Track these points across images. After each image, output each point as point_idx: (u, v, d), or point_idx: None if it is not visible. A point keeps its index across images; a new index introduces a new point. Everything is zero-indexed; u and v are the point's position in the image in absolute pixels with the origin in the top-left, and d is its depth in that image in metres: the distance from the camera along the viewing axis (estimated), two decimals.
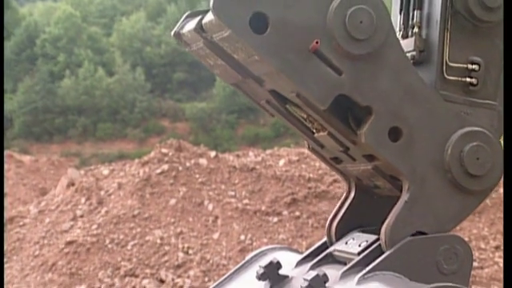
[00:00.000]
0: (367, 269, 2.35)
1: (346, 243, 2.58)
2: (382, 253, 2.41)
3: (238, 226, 17.04)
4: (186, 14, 2.59)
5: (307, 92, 2.32)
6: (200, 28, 2.42)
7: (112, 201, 17.35)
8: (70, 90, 34.03)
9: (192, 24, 2.49)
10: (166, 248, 16.41)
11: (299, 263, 2.66)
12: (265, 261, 2.65)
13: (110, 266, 15.97)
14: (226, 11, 2.26)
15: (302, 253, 2.83)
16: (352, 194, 2.69)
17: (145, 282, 15.55)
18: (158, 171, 17.62)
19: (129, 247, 16.39)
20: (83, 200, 17.61)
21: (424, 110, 2.40)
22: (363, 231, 2.61)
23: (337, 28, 2.30)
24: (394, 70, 2.37)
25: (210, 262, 16.15)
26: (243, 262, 2.89)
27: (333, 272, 2.38)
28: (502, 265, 12.37)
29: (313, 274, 2.30)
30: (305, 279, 2.30)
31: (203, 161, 18.09)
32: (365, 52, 2.33)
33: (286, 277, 2.58)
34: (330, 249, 2.62)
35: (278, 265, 2.59)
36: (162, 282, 15.55)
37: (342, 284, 2.36)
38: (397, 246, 2.38)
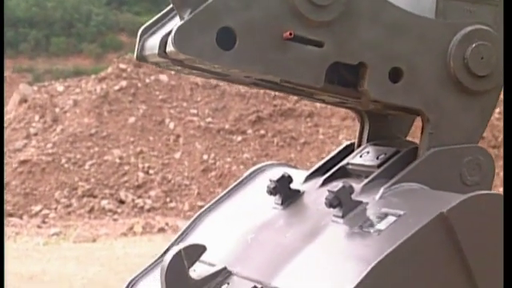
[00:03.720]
0: (392, 180, 2.40)
1: (361, 156, 2.63)
2: (404, 165, 2.47)
3: (200, 145, 17.01)
4: (140, 30, 2.48)
5: (298, 79, 2.34)
6: (164, 52, 2.34)
7: (68, 118, 17.21)
8: (20, 0, 32.90)
9: (153, 45, 2.39)
10: (126, 168, 16.31)
11: (308, 178, 2.71)
12: (268, 176, 2.70)
13: (66, 187, 15.78)
14: (188, 43, 2.20)
15: (299, 169, 2.90)
16: (366, 125, 2.73)
17: (104, 202, 15.51)
18: (116, 88, 17.52)
19: (86, 167, 16.23)
20: (37, 117, 17.30)
21: (413, 38, 2.42)
22: (375, 144, 2.66)
23: (299, 3, 2.28)
24: (369, 15, 2.37)
25: (172, 182, 16.26)
26: (241, 178, 2.91)
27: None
28: None
29: (339, 185, 2.35)
30: (330, 191, 2.34)
31: (164, 77, 17.93)
32: (336, 14, 2.31)
33: (297, 191, 2.63)
34: (343, 162, 2.66)
35: (290, 179, 2.63)
36: (121, 202, 15.65)
37: (366, 196, 2.41)
38: (422, 158, 2.45)
